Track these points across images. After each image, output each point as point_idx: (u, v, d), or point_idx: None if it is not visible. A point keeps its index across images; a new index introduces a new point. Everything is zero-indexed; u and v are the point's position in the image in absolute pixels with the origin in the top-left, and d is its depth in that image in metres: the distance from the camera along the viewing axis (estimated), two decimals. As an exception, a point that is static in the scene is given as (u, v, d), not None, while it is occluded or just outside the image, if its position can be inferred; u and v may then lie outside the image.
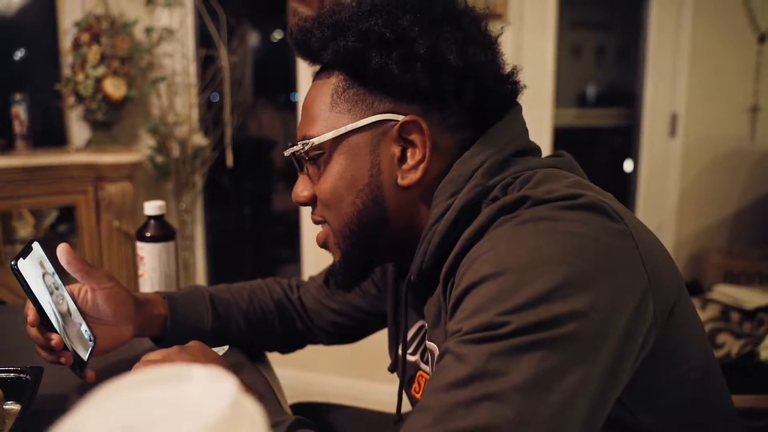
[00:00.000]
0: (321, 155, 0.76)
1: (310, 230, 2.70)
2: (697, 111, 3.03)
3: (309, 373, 2.42)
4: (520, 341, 0.54)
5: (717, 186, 3.23)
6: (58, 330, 0.80)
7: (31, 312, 0.80)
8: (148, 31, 2.49)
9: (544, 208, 0.62)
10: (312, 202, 0.80)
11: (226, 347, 0.91)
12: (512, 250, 0.59)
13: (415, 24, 0.71)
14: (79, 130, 2.52)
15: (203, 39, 2.63)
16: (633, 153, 3.14)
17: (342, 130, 0.74)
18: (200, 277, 2.76)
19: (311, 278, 1.08)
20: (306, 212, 2.69)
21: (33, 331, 0.82)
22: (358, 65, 0.72)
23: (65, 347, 0.80)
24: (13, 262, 0.76)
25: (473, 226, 0.65)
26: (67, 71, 2.42)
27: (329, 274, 0.83)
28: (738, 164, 3.31)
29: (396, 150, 0.74)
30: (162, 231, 1.15)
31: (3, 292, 2.10)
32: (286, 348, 1.08)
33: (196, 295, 0.99)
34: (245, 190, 3.15)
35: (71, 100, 2.42)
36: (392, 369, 0.89)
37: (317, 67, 0.82)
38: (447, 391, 0.55)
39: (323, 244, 0.82)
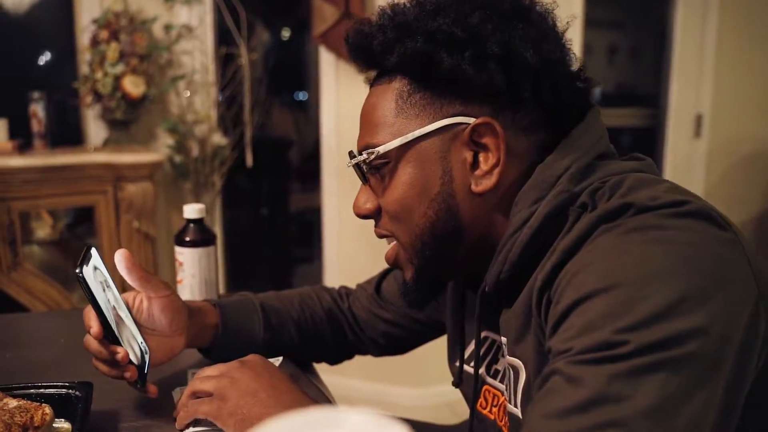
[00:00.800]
0: (386, 164, 0.72)
1: (331, 231, 2.65)
2: (722, 112, 2.98)
3: (331, 376, 2.37)
4: (642, 362, 0.50)
5: (741, 187, 3.18)
6: (122, 342, 0.75)
7: (95, 323, 0.75)
8: (168, 28, 2.45)
9: (649, 216, 0.57)
10: (375, 214, 0.76)
11: (281, 358, 0.87)
12: (621, 261, 0.55)
13: (486, 21, 0.67)
14: (96, 130, 2.48)
15: (223, 36, 2.58)
16: (656, 154, 3.08)
17: (410, 136, 0.69)
18: (219, 279, 2.71)
19: (360, 287, 1.03)
20: (329, 213, 2.66)
21: (94, 344, 0.77)
22: (426, 67, 0.68)
23: (129, 361, 0.76)
24: (78, 270, 0.72)
25: (570, 235, 0.60)
26: (84, 69, 2.38)
27: (401, 292, 0.78)
28: (763, 166, 3.26)
29: (468, 155, 0.69)
30: (202, 235, 1.11)
31: (23, 295, 2.06)
32: (336, 359, 1.03)
33: (247, 303, 0.95)
34: (263, 189, 3.11)
35: (89, 98, 2.37)
36: (457, 383, 0.84)
37: (369, 74, 0.78)
38: (564, 417, 0.50)
39: (394, 261, 0.77)
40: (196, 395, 0.74)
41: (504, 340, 0.71)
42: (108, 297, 0.77)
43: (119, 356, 0.75)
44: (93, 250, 0.76)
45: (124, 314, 0.79)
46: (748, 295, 0.56)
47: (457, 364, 0.85)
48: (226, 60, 2.53)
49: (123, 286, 0.83)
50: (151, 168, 2.22)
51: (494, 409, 0.78)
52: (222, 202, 2.68)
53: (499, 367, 0.78)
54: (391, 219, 0.73)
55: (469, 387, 0.82)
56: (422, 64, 0.68)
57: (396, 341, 1.00)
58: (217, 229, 2.67)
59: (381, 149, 0.71)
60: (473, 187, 0.69)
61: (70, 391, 0.75)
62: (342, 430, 0.29)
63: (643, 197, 0.59)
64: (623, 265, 0.54)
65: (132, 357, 0.76)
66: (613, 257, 0.56)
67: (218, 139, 2.56)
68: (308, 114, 4.06)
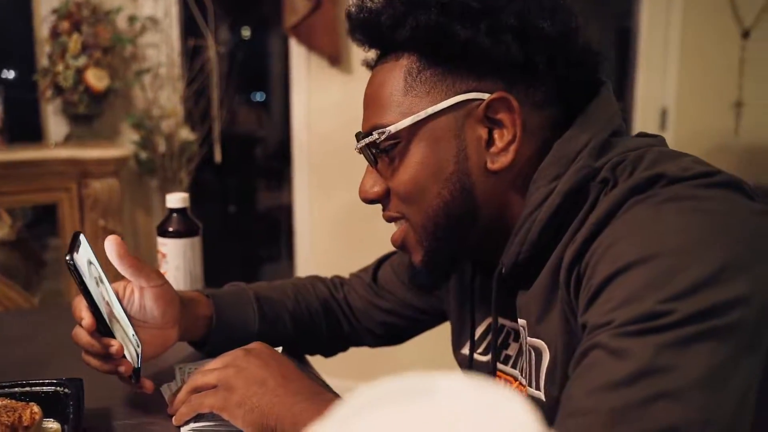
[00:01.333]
0: (397, 145, 0.68)
1: (303, 228, 2.60)
2: (686, 106, 3.03)
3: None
4: (689, 331, 0.48)
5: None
6: (115, 335, 0.70)
7: (86, 314, 0.70)
8: (132, 20, 2.37)
9: (682, 186, 0.56)
10: (383, 198, 0.72)
11: (280, 349, 0.83)
12: (658, 232, 0.53)
13: None
14: (56, 125, 2.38)
15: (189, 29, 2.51)
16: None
17: (422, 114, 0.66)
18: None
19: (356, 276, 1.00)
20: (300, 209, 2.61)
21: (85, 337, 0.72)
22: (440, 41, 0.65)
23: (123, 355, 0.71)
24: (68, 257, 0.66)
25: (600, 208, 0.58)
26: (44, 62, 2.28)
27: (411, 276, 0.75)
28: (723, 159, 3.34)
29: (482, 132, 0.67)
30: (186, 225, 1.06)
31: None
32: (331, 350, 1.00)
33: (241, 294, 0.90)
34: (231, 187, 3.04)
35: (49, 92, 2.27)
36: (468, 368, 0.81)
37: (370, 54, 0.75)
38: (611, 390, 0.48)
39: (401, 244, 0.73)
40: (198, 389, 0.70)
41: (522, 322, 0.69)
42: (98, 286, 0.71)
43: (113, 349, 0.70)
44: (81, 237, 0.71)
45: (115, 305, 0.74)
46: None
47: (466, 351, 0.83)
48: (193, 53, 2.46)
49: (115, 276, 0.78)
50: (118, 164, 2.14)
51: None
52: (190, 200, 2.61)
53: (510, 352, 0.76)
54: (403, 200, 0.70)
55: (480, 374, 0.80)
56: (436, 38, 0.65)
57: (394, 330, 0.97)
58: (185, 227, 2.60)
59: (392, 129, 0.67)
60: (489, 164, 0.67)
61: (59, 388, 0.70)
62: (438, 395, 0.26)
63: (674, 168, 0.57)
64: (661, 236, 0.53)
65: (125, 350, 0.71)
66: (649, 228, 0.54)
67: (186, 134, 2.48)
68: (270, 113, 4.00)
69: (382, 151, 0.69)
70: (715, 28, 3.19)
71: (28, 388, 0.70)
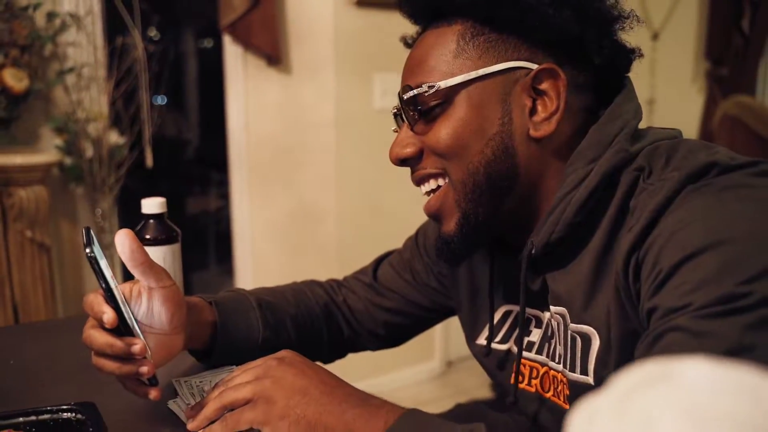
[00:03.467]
0: (441, 104, 0.69)
1: (243, 231, 2.52)
2: (606, 104, 3.19)
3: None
4: (767, 312, 0.50)
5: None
6: (136, 333, 0.64)
7: (109, 310, 0.64)
8: (51, 16, 2.21)
9: (735, 175, 0.58)
10: (415, 158, 0.72)
11: None
12: (724, 218, 0.55)
13: None
14: (-34, 130, 2.18)
15: (116, 28, 2.37)
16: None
17: (473, 74, 0.68)
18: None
19: (354, 278, 0.97)
20: (239, 214, 2.53)
21: (102, 337, 0.66)
22: (502, 7, 0.66)
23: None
24: (88, 250, 0.62)
25: (656, 197, 0.59)
26: (-47, 61, 2.09)
27: (436, 249, 0.73)
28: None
29: (527, 101, 0.69)
30: (165, 232, 0.99)
31: None
32: (330, 356, 0.96)
33: (242, 299, 0.86)
34: (162, 192, 2.89)
35: (-41, 94, 2.08)
36: (486, 353, 0.81)
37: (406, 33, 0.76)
38: None
39: (438, 209, 0.73)
40: (231, 405, 0.65)
41: (559, 310, 0.69)
42: (113, 282, 0.66)
43: (136, 348, 0.65)
44: (91, 231, 0.65)
45: (126, 308, 0.69)
46: None
47: (482, 341, 0.82)
48: (120, 53, 2.33)
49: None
50: (44, 170, 1.99)
51: (534, 381, 0.76)
52: (121, 207, 2.47)
53: (533, 338, 0.76)
54: (442, 155, 0.70)
55: (498, 362, 0.80)
56: (498, 4, 0.66)
57: (397, 330, 0.95)
58: (115, 237, 2.45)
59: (443, 84, 0.68)
60: (532, 131, 0.68)
61: (71, 414, 0.63)
62: (686, 385, 0.25)
63: (723, 157, 0.59)
64: (726, 222, 0.54)
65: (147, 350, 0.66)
66: (713, 214, 0.55)
67: (114, 138, 2.35)
68: (197, 114, 3.86)
69: (424, 108, 0.69)
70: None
71: (33, 417, 0.63)
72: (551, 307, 0.70)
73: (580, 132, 0.69)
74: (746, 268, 0.51)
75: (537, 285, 0.73)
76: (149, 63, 2.40)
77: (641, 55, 0.72)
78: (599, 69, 0.70)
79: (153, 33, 3.31)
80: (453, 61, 0.69)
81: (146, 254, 0.69)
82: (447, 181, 0.71)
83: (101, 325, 0.66)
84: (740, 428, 0.24)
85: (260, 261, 2.54)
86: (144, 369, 0.66)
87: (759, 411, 0.24)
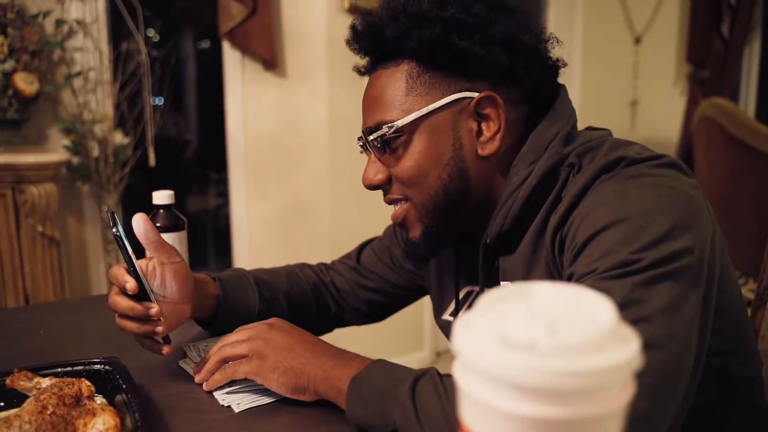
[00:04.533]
0: (400, 137, 0.80)
1: (241, 228, 2.65)
2: (589, 105, 3.33)
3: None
4: (654, 273, 0.63)
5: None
6: (153, 300, 0.78)
7: (131, 279, 0.78)
8: (59, 23, 2.34)
9: (639, 167, 0.72)
10: (385, 184, 0.84)
11: None
12: (626, 201, 0.68)
13: (489, 10, 0.79)
14: (-21, 131, 2.31)
15: (119, 33, 2.50)
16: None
17: (424, 110, 0.79)
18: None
19: (340, 262, 1.11)
20: (237, 212, 2.65)
21: (125, 302, 0.79)
22: (441, 51, 0.78)
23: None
24: (114, 230, 0.76)
25: (576, 185, 0.72)
26: (-33, 66, 2.21)
27: (405, 252, 0.87)
28: (622, 154, 3.68)
29: (473, 124, 0.80)
30: (173, 221, 1.12)
31: None
32: (319, 330, 1.09)
33: (242, 277, 0.99)
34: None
35: (-27, 97, 2.21)
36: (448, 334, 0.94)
37: (359, 63, 0.87)
38: None
39: (402, 221, 0.85)
40: (229, 359, 0.78)
41: (506, 284, 0.82)
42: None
43: (154, 311, 0.78)
44: (116, 215, 0.79)
45: (143, 279, 0.82)
46: (708, 227, 0.71)
47: (447, 316, 0.95)
48: (126, 57, 2.46)
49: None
50: (54, 169, 2.11)
51: None
52: (125, 205, 2.59)
53: None
54: (406, 184, 0.82)
55: None
56: (438, 48, 0.77)
57: (378, 308, 1.08)
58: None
59: (399, 123, 0.80)
60: (479, 151, 0.80)
61: (100, 366, 0.76)
62: (534, 298, 0.38)
63: (631, 152, 0.73)
64: (628, 204, 0.68)
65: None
66: (618, 198, 0.69)
67: (119, 138, 2.47)
68: (186, 117, 3.98)
69: (386, 143, 0.81)
70: (611, 35, 3.52)
71: (69, 368, 0.76)
72: (501, 282, 0.84)
73: (521, 139, 0.81)
74: (639, 240, 0.65)
75: (493, 267, 0.86)
76: (152, 67, 2.53)
77: (565, 65, 0.85)
78: (533, 83, 0.82)
79: (152, 34, 3.44)
80: (405, 99, 0.79)
81: (159, 234, 0.82)
82: (409, 203, 0.84)
83: (124, 292, 0.79)
84: (567, 320, 0.37)
85: (257, 255, 2.66)
86: (159, 328, 0.80)
87: (577, 306, 0.37)
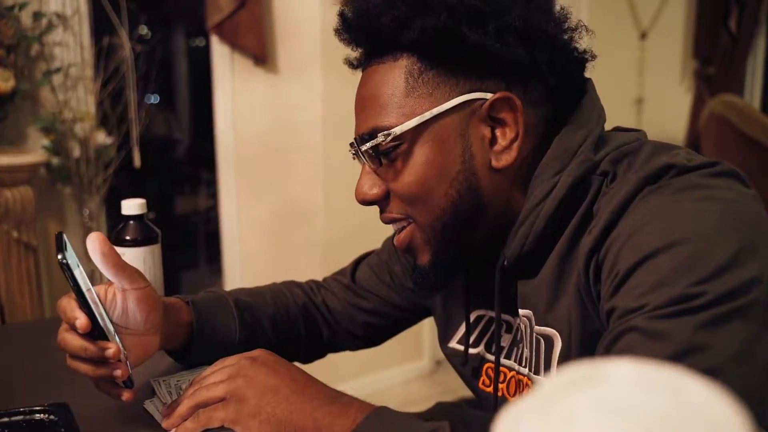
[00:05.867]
0: (399, 146, 0.68)
1: (231, 231, 2.53)
2: (594, 103, 3.21)
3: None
4: (720, 311, 0.51)
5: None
6: (110, 337, 0.65)
7: (81, 314, 0.65)
8: (37, 16, 2.20)
9: (691, 176, 0.60)
10: (382, 200, 0.72)
11: None
12: (677, 220, 0.56)
13: None
14: (-49, 130, 2.18)
15: (102, 27, 2.37)
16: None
17: (427, 115, 0.67)
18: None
19: (332, 279, 0.98)
20: (227, 213, 2.53)
21: (76, 341, 0.66)
22: (448, 44, 0.65)
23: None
24: (59, 256, 0.62)
25: (615, 199, 0.60)
26: (-62, 61, 2.08)
27: (413, 280, 0.74)
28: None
29: (486, 131, 0.68)
30: (144, 233, 1.00)
31: None
32: (309, 357, 0.97)
33: (220, 300, 0.87)
34: (151, 192, 2.89)
35: (-55, 94, 2.08)
36: (464, 363, 0.82)
37: (351, 55, 0.75)
38: None
39: (407, 246, 0.73)
40: (204, 404, 0.66)
41: (527, 312, 0.70)
42: (86, 288, 0.67)
43: (110, 352, 0.66)
44: (65, 237, 0.66)
45: (101, 309, 0.69)
46: None
47: (455, 344, 0.83)
48: (108, 52, 2.33)
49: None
50: (31, 171, 1.99)
51: (501, 386, 0.77)
52: (108, 208, 2.47)
53: (503, 343, 0.77)
54: (408, 202, 0.70)
55: (474, 366, 0.81)
56: (443, 41, 0.65)
57: (376, 331, 0.96)
58: (103, 237, 2.45)
59: (397, 130, 0.67)
60: (494, 163, 0.68)
61: (44, 415, 0.64)
62: (611, 386, 0.26)
63: (680, 158, 0.61)
64: (681, 223, 0.56)
65: (121, 353, 0.67)
66: (669, 216, 0.57)
67: (102, 138, 2.35)
68: (185, 114, 3.85)
69: (383, 153, 0.69)
70: (616, 30, 3.40)
71: (6, 419, 0.63)
72: (519, 310, 0.71)
73: (542, 145, 0.69)
74: (699, 269, 0.52)
75: (509, 291, 0.73)
76: (137, 62, 2.40)
77: (594, 57, 0.72)
78: (556, 80, 0.70)
79: (144, 32, 3.32)
80: (405, 101, 0.67)
81: (118, 257, 0.69)
82: (413, 224, 0.71)
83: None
84: (659, 423, 0.24)
85: (248, 259, 2.54)
86: (118, 372, 0.67)
87: (678, 407, 0.25)
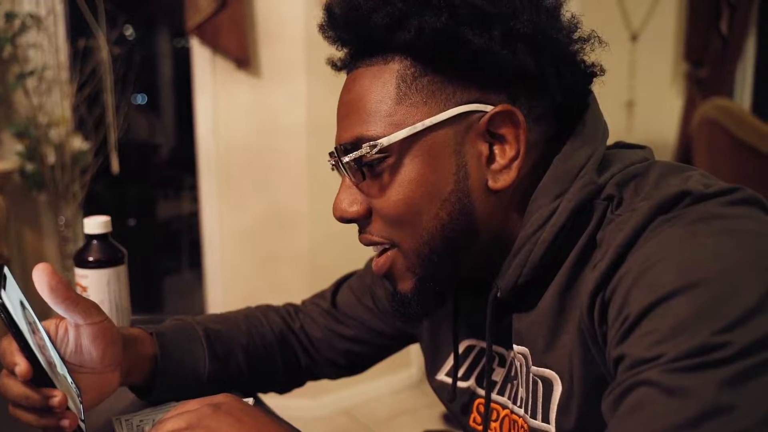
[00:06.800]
0: (385, 159, 0.61)
1: (212, 238, 2.45)
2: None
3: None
4: (748, 363, 0.45)
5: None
6: (56, 384, 0.59)
7: (21, 359, 0.58)
8: (9, 17, 2.12)
9: (708, 205, 0.53)
10: (363, 218, 0.65)
11: (251, 400, 0.73)
12: (697, 256, 0.49)
13: None
14: None
15: (78, 28, 2.29)
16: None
17: (419, 126, 0.60)
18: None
19: (311, 302, 0.91)
20: (209, 220, 2.45)
21: (17, 388, 0.60)
22: (448, 47, 0.58)
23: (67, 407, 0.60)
24: None
25: (624, 230, 0.54)
26: None
27: (393, 308, 0.67)
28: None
29: (483, 147, 0.61)
30: (109, 253, 0.93)
31: None
32: (287, 387, 0.90)
33: (188, 329, 0.80)
34: (130, 199, 2.81)
35: None
36: (451, 399, 0.75)
37: (335, 54, 0.68)
38: None
39: (387, 271, 0.65)
40: None
41: (522, 350, 0.64)
42: (31, 327, 0.60)
43: (55, 401, 0.59)
44: (7, 272, 0.59)
45: (49, 348, 0.63)
46: None
47: (442, 377, 0.77)
48: (84, 54, 2.25)
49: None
50: (4, 178, 1.91)
51: (494, 425, 0.71)
52: (84, 215, 2.39)
53: (496, 377, 0.71)
54: (392, 223, 0.63)
55: (463, 402, 0.74)
56: (443, 44, 0.58)
57: (357, 358, 0.89)
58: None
59: (384, 142, 0.60)
60: (490, 183, 0.61)
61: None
62: None
63: (695, 184, 0.54)
64: (701, 260, 0.49)
65: (69, 401, 0.60)
66: (686, 252, 0.50)
67: (78, 143, 2.27)
68: (161, 118, 3.77)
69: (367, 166, 0.62)
70: (607, 32, 3.35)
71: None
72: (514, 346, 0.65)
73: (541, 164, 0.63)
74: (723, 315, 0.46)
75: (503, 321, 0.67)
76: (115, 65, 2.32)
77: (603, 72, 0.66)
78: (563, 94, 0.64)
79: (129, 32, 3.24)
80: (395, 110, 0.61)
81: (69, 289, 0.63)
82: (396, 249, 0.64)
83: None
84: None
85: (231, 268, 2.47)
86: (65, 422, 0.60)
87: None
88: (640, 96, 3.50)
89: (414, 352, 2.74)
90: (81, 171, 2.28)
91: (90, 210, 2.44)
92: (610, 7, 3.35)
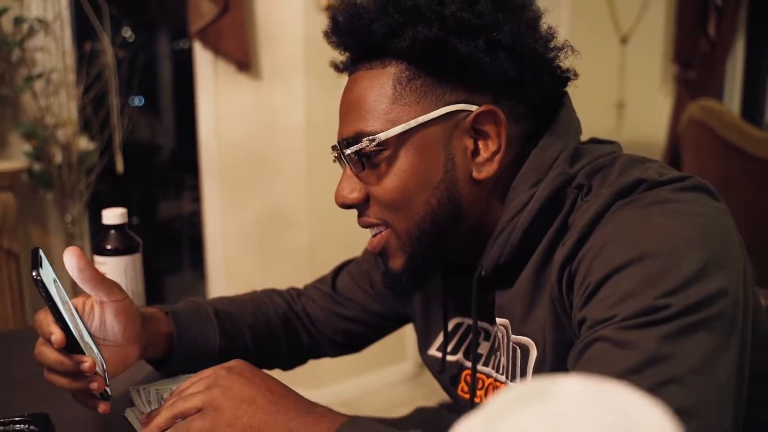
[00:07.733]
0: (382, 152, 0.70)
1: (214, 237, 2.53)
2: (576, 107, 3.24)
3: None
4: (685, 322, 0.53)
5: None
6: (86, 351, 0.66)
7: (56, 329, 0.66)
8: (18, 21, 2.19)
9: (661, 191, 0.61)
10: (361, 204, 0.73)
11: None
12: (648, 233, 0.58)
13: (497, 9, 0.68)
14: (-68, 136, 2.16)
15: (84, 32, 2.36)
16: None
17: (412, 123, 0.68)
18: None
19: (313, 286, 0.99)
20: (211, 219, 2.53)
21: (52, 355, 0.67)
22: (438, 54, 0.67)
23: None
24: (34, 273, 0.63)
25: (588, 212, 0.62)
26: None
27: (384, 283, 0.76)
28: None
29: (469, 142, 0.70)
30: (126, 242, 1.00)
31: None
32: (290, 364, 0.98)
33: (200, 310, 0.88)
34: (134, 198, 2.88)
35: (-76, 100, 2.07)
36: (441, 371, 0.83)
37: (337, 59, 0.76)
38: (621, 379, 0.51)
39: (381, 249, 0.74)
40: (182, 414, 0.67)
41: (503, 321, 0.72)
42: (63, 303, 0.67)
43: (86, 365, 0.66)
44: (41, 253, 0.67)
45: (79, 322, 0.70)
46: (741, 261, 0.61)
47: (434, 352, 0.85)
48: (90, 57, 2.32)
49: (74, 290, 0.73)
50: (12, 177, 1.98)
51: (479, 393, 0.78)
52: (91, 214, 2.46)
53: (481, 350, 0.79)
54: (387, 207, 0.71)
55: (452, 374, 0.82)
56: (435, 51, 0.66)
57: (355, 338, 0.97)
58: (86, 243, 2.45)
59: (381, 136, 0.69)
60: (475, 174, 0.70)
61: (23, 426, 0.64)
62: (560, 402, 0.27)
63: (652, 173, 0.62)
64: (651, 237, 0.57)
65: (97, 366, 0.68)
66: (639, 229, 0.58)
67: (84, 143, 2.34)
68: (161, 119, 3.84)
69: (366, 158, 0.70)
70: (597, 34, 3.43)
71: (-13, 429, 0.64)
72: (497, 319, 0.73)
73: (520, 157, 0.71)
74: (666, 282, 0.54)
75: (487, 299, 0.75)
76: (119, 67, 2.40)
77: (576, 76, 0.74)
78: (541, 95, 0.72)
79: (128, 34, 3.31)
80: (391, 108, 0.69)
81: (95, 270, 0.71)
82: (390, 229, 0.72)
83: None
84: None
85: (232, 266, 2.54)
86: (94, 385, 0.68)
87: (622, 424, 0.26)
88: (630, 97, 3.59)
89: (410, 347, 2.82)
90: (87, 170, 2.35)
91: (95, 208, 2.52)
92: (600, 11, 3.43)
